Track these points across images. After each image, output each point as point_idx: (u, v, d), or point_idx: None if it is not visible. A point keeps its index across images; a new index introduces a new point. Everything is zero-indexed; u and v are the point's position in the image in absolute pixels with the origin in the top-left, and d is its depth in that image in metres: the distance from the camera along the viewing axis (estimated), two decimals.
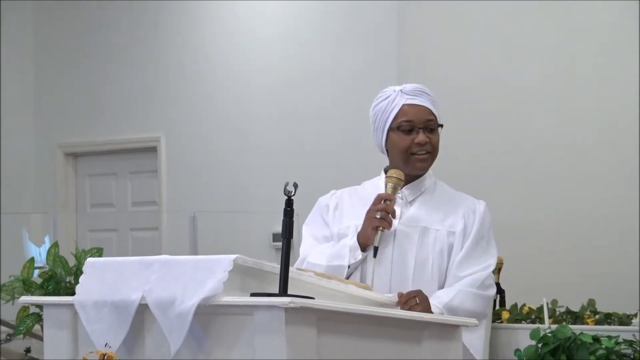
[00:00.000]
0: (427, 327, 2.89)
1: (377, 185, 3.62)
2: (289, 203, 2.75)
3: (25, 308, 3.84)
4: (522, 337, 3.73)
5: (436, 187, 3.60)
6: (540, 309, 3.88)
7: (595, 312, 3.92)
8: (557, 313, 3.99)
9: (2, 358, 4.97)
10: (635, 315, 3.74)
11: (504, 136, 6.21)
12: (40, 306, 3.56)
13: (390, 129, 3.51)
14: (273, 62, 7.25)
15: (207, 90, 7.53)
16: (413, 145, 3.49)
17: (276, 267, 2.71)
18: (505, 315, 4.07)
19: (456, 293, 3.40)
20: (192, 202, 7.46)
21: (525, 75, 6.15)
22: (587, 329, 3.64)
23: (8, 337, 4.71)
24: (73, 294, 2.91)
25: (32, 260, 4.03)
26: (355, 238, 3.46)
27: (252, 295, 2.67)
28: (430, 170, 3.59)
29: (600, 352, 3.42)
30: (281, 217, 2.74)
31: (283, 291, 2.65)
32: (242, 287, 2.68)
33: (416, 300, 3.28)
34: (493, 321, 3.91)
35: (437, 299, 3.39)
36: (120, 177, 8.03)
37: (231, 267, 2.64)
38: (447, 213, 3.52)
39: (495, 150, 6.20)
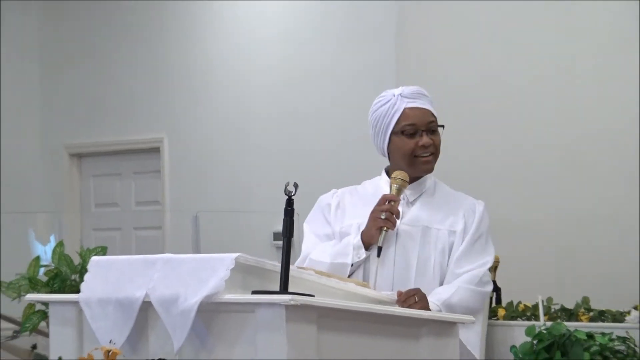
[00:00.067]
0: (425, 325, 2.89)
1: (378, 184, 3.62)
2: (290, 203, 2.75)
3: (31, 305, 3.83)
4: (517, 333, 3.73)
5: (436, 188, 3.60)
6: (536, 306, 3.88)
7: (589, 310, 3.92)
8: (552, 310, 3.99)
9: (9, 354, 4.97)
10: (629, 312, 3.74)
11: (502, 136, 6.13)
12: (46, 304, 3.56)
13: (393, 133, 3.51)
14: (273, 63, 7.25)
15: (209, 92, 7.53)
16: (417, 148, 3.50)
17: (277, 265, 2.71)
18: (501, 312, 4.07)
19: (455, 290, 3.41)
20: (194, 201, 7.46)
21: (525, 75, 6.06)
22: (582, 326, 3.64)
23: (14, 334, 4.71)
24: (78, 291, 2.92)
25: (38, 258, 4.04)
26: (359, 237, 3.46)
27: (254, 293, 2.67)
28: None
29: (594, 348, 3.42)
30: (282, 216, 2.74)
31: (284, 289, 2.65)
32: (243, 285, 2.68)
33: (415, 298, 3.29)
34: (489, 318, 3.91)
35: (436, 296, 3.39)
36: (124, 178, 8.03)
37: (233, 266, 2.64)
38: (448, 213, 3.52)
39: (494, 150, 6.13)
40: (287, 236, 2.72)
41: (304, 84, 7.12)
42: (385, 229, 3.42)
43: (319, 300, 2.63)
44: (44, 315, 3.74)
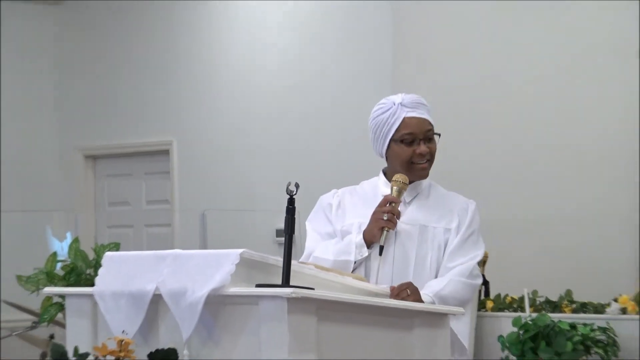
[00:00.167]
0: (418, 316, 2.90)
1: (376, 185, 3.63)
2: (291, 201, 2.75)
3: (49, 298, 3.83)
4: (505, 324, 3.73)
5: (431, 189, 3.62)
6: (522, 298, 3.88)
7: (572, 302, 3.92)
8: (537, 302, 3.99)
9: (28, 344, 4.98)
10: (609, 304, 3.75)
11: (497, 135, 6.03)
12: (62, 296, 3.55)
13: (392, 140, 3.51)
14: (275, 68, 7.23)
15: (215, 98, 7.53)
16: (415, 155, 3.51)
17: (279, 260, 2.72)
18: (489, 304, 4.07)
19: (447, 282, 3.42)
20: (201, 200, 7.46)
21: (524, 75, 5.93)
22: (565, 317, 3.64)
23: (33, 325, 4.71)
24: (93, 285, 2.92)
25: (55, 254, 4.03)
26: (361, 236, 3.47)
27: (257, 286, 2.68)
28: None
29: (577, 338, 3.43)
30: (284, 214, 2.74)
31: (286, 282, 2.65)
32: (248, 278, 2.69)
33: (407, 291, 3.30)
34: (478, 310, 3.91)
35: (429, 289, 3.40)
36: (136, 178, 8.03)
37: (238, 261, 2.64)
38: (443, 212, 3.54)
39: (489, 150, 6.02)
40: (288, 233, 2.73)
41: (304, 87, 7.11)
42: (386, 228, 3.44)
43: (318, 293, 2.63)
44: (61, 308, 3.74)
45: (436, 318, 2.95)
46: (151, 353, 2.69)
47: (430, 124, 3.53)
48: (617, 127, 5.68)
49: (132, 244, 7.72)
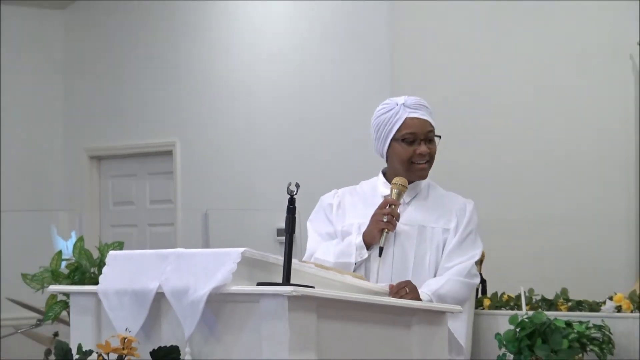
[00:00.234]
0: (416, 314, 2.89)
1: (375, 185, 3.62)
2: (292, 201, 2.75)
3: (53, 296, 3.83)
4: (501, 322, 3.72)
5: (430, 189, 3.61)
6: (518, 297, 3.87)
7: (567, 300, 3.91)
8: (534, 301, 3.98)
9: (32, 341, 4.97)
10: (604, 302, 3.73)
11: (492, 136, 5.99)
12: (67, 294, 3.55)
13: (393, 139, 3.51)
14: (276, 71, 7.22)
15: (217, 99, 7.53)
16: (415, 155, 3.51)
17: (280, 259, 2.71)
18: (486, 302, 4.05)
19: (445, 281, 3.42)
20: (204, 200, 7.45)
21: (523, 75, 5.88)
22: (561, 315, 3.63)
23: (38, 322, 4.70)
24: (97, 283, 2.91)
25: (60, 253, 4.03)
26: (361, 237, 3.47)
27: (259, 284, 2.67)
28: None
29: (573, 335, 3.42)
30: (284, 214, 2.74)
31: (286, 281, 2.65)
32: (249, 277, 2.68)
33: (406, 289, 3.29)
34: (475, 308, 3.90)
35: (427, 287, 3.40)
36: (140, 178, 8.03)
37: (239, 259, 2.64)
38: (441, 212, 3.54)
39: (483, 151, 5.96)
40: (289, 232, 2.72)
41: (305, 87, 7.09)
42: (386, 230, 3.43)
43: (318, 291, 2.63)
44: (65, 305, 3.74)
45: (434, 316, 2.95)
46: (154, 350, 2.69)
47: (431, 125, 3.53)
48: (615, 127, 5.65)
49: (136, 243, 7.72)
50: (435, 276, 3.48)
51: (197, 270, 2.67)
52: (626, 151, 5.62)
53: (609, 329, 3.57)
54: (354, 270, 3.44)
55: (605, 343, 3.51)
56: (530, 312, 3.53)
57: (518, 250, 5.77)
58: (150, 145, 7.84)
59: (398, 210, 3.48)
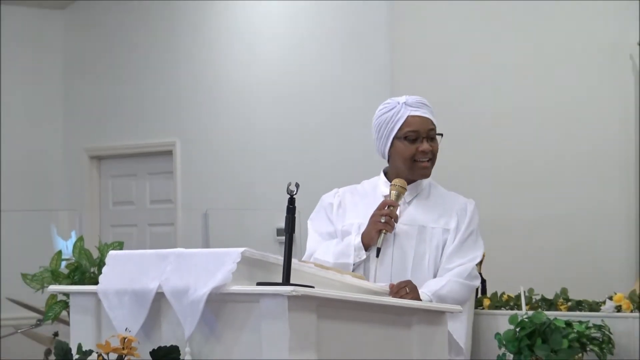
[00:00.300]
0: (416, 313, 2.89)
1: (376, 184, 3.62)
2: (291, 201, 2.75)
3: (53, 296, 3.83)
4: (501, 322, 3.72)
5: (431, 188, 3.61)
6: (518, 296, 3.87)
7: (567, 300, 3.91)
8: (533, 300, 3.98)
9: (32, 341, 4.96)
10: (604, 302, 3.73)
11: (492, 136, 5.99)
12: (67, 294, 3.55)
13: (395, 138, 3.51)
14: (276, 71, 7.23)
15: (217, 99, 7.53)
16: (417, 153, 3.51)
17: (280, 259, 2.71)
18: (486, 302, 4.05)
19: (446, 282, 3.41)
20: (204, 200, 7.45)
21: (522, 75, 5.88)
22: (561, 315, 3.63)
23: (38, 322, 4.70)
24: (97, 283, 2.91)
25: (60, 252, 4.03)
26: (359, 238, 3.47)
27: (259, 284, 2.67)
28: None
29: (572, 335, 3.42)
30: (284, 214, 2.74)
31: (286, 281, 2.64)
32: (249, 277, 2.68)
33: (406, 289, 3.29)
34: (475, 308, 3.90)
35: (427, 288, 3.39)
36: (140, 178, 8.03)
37: (239, 259, 2.63)
38: (442, 212, 3.53)
39: (483, 151, 5.98)
40: (289, 232, 2.72)
41: (305, 87, 7.10)
42: (384, 231, 3.43)
43: (318, 291, 2.62)
44: (65, 305, 3.73)
45: (434, 316, 2.95)
46: (154, 350, 2.69)
47: (432, 123, 3.53)
48: (615, 127, 5.65)
49: (136, 243, 7.72)
50: (434, 276, 3.48)
51: (197, 270, 2.67)
52: (626, 151, 5.62)
53: (609, 329, 3.57)
54: (353, 271, 3.44)
55: (605, 343, 3.51)
56: (530, 312, 3.53)
57: (518, 250, 5.77)
58: (151, 145, 7.84)
59: (398, 210, 3.48)
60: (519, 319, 3.46)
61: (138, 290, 2.76)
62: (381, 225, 3.43)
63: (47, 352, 4.82)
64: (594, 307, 3.75)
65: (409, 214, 3.53)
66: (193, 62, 7.64)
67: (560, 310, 3.81)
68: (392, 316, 2.83)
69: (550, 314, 3.55)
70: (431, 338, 2.92)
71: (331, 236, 3.58)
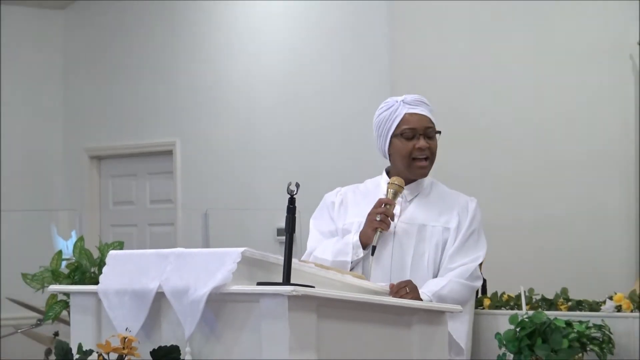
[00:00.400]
0: (417, 313, 2.89)
1: (379, 183, 3.63)
2: (291, 201, 2.75)
3: (53, 296, 3.83)
4: (501, 322, 3.72)
5: (432, 187, 3.61)
6: (518, 296, 3.87)
7: (567, 300, 3.91)
8: (534, 300, 3.98)
9: (32, 341, 4.96)
10: (604, 302, 3.73)
11: (492, 137, 5.99)
12: (67, 294, 3.55)
13: (393, 136, 3.53)
14: (276, 70, 7.22)
15: (218, 99, 7.53)
16: (414, 150, 3.51)
17: (280, 258, 2.71)
18: (486, 302, 4.05)
19: (447, 283, 3.41)
20: (204, 200, 7.45)
21: (522, 76, 5.86)
22: (561, 315, 3.62)
23: (38, 322, 4.69)
24: (97, 283, 2.91)
25: (60, 252, 4.03)
26: (357, 236, 3.48)
27: (259, 284, 2.67)
28: None
29: (573, 335, 3.42)
30: (284, 213, 2.73)
31: (286, 280, 2.64)
32: (249, 276, 2.68)
33: (406, 289, 3.29)
34: (475, 308, 3.90)
35: (428, 288, 3.39)
36: (140, 178, 8.03)
37: (239, 259, 2.63)
38: (443, 211, 3.53)
39: (483, 151, 5.97)
40: (289, 232, 2.72)
41: (305, 87, 7.09)
42: (379, 229, 3.43)
43: (318, 291, 2.62)
44: (66, 305, 3.73)
45: (434, 315, 2.95)
46: (154, 350, 2.69)
47: (430, 121, 3.54)
48: (615, 127, 5.64)
49: (136, 243, 7.72)
50: (434, 275, 3.48)
51: (197, 270, 2.67)
52: (626, 151, 5.62)
53: (609, 329, 3.56)
54: (351, 269, 3.44)
55: (605, 343, 3.51)
56: (530, 312, 3.53)
57: (518, 250, 5.77)
58: (151, 145, 7.84)
59: (399, 208, 3.49)
60: (519, 318, 3.46)
61: (138, 290, 2.76)
62: (376, 224, 3.43)
63: (48, 352, 4.81)
64: (594, 307, 3.75)
65: (409, 212, 3.53)
66: (193, 62, 7.64)
67: (561, 310, 3.81)
68: (392, 316, 2.83)
69: (551, 314, 3.55)
70: (431, 338, 2.91)
71: (332, 235, 3.59)
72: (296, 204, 2.75)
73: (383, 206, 3.45)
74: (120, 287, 2.80)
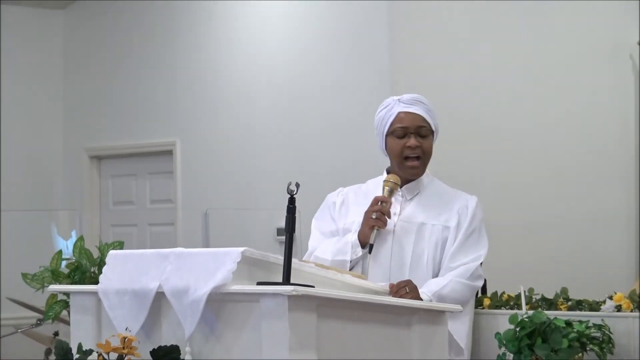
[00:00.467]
0: (417, 313, 2.89)
1: (379, 183, 3.63)
2: (291, 201, 2.75)
3: (53, 296, 3.82)
4: (501, 321, 3.72)
5: (432, 185, 3.61)
6: (518, 296, 3.87)
7: (567, 299, 3.91)
8: (534, 300, 3.98)
9: (32, 341, 4.96)
10: (604, 302, 3.73)
11: (492, 137, 5.99)
12: (67, 294, 3.54)
13: (387, 134, 3.53)
14: (276, 70, 7.22)
15: (218, 99, 7.53)
16: (405, 148, 3.51)
17: (280, 258, 2.71)
18: (486, 302, 4.05)
19: (447, 282, 3.41)
20: (204, 200, 7.45)
21: (522, 76, 5.87)
22: (561, 314, 3.63)
23: (38, 322, 4.69)
24: (97, 283, 2.91)
25: (60, 252, 4.02)
26: (356, 236, 3.48)
27: (259, 284, 2.67)
28: (427, 170, 3.60)
29: (572, 335, 3.42)
30: (284, 213, 2.73)
31: (286, 280, 2.64)
32: (249, 276, 2.68)
33: (406, 289, 3.29)
34: (475, 307, 3.90)
35: (428, 287, 3.39)
36: (140, 178, 8.03)
37: (240, 259, 2.63)
38: (442, 209, 3.53)
39: (483, 152, 5.99)
40: (289, 231, 2.72)
41: (305, 87, 7.08)
42: (376, 227, 3.43)
43: (318, 290, 2.62)
44: (66, 305, 3.73)
45: (434, 315, 2.95)
46: (154, 350, 2.69)
47: (424, 121, 3.52)
48: (615, 127, 5.65)
49: (136, 243, 7.72)
50: (433, 274, 3.47)
51: (197, 270, 2.67)
52: (626, 151, 5.62)
53: (609, 329, 3.56)
54: (351, 269, 3.44)
55: (605, 342, 3.51)
56: (530, 312, 3.53)
57: (518, 250, 5.77)
58: (151, 145, 7.84)
59: (399, 207, 3.48)
60: (519, 318, 3.46)
61: (138, 289, 2.76)
62: (373, 222, 3.44)
63: (48, 352, 4.81)
64: (594, 306, 3.75)
65: (408, 211, 3.52)
66: (193, 62, 7.64)
67: (560, 309, 3.81)
68: (392, 316, 2.82)
69: (550, 314, 3.55)
70: (431, 338, 2.91)
71: (333, 235, 3.59)
72: (296, 204, 2.75)
73: (379, 204, 3.45)
74: (120, 287, 2.80)
